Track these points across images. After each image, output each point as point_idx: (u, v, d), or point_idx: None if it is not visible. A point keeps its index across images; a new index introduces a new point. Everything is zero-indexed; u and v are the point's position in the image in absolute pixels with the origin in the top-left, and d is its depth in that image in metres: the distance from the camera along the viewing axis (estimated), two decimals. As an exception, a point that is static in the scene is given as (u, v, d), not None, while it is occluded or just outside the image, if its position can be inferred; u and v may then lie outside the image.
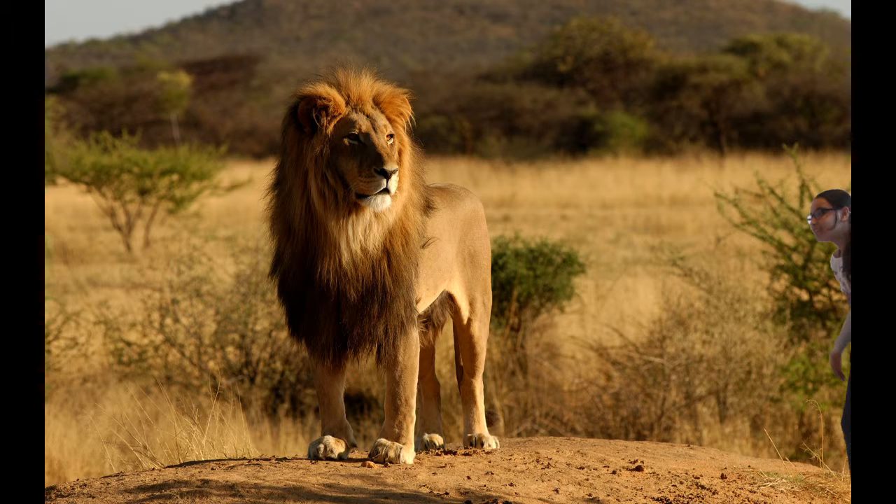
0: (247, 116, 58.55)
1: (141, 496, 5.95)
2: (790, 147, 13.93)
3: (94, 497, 5.98)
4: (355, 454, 6.63)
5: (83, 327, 15.81)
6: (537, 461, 6.69)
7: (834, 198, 6.57)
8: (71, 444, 12.35)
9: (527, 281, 14.09)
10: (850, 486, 6.76)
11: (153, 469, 6.48)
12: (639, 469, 6.73)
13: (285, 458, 6.60)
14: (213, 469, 6.32)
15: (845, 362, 6.54)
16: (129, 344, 14.82)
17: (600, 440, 7.58)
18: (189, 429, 7.65)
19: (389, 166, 6.18)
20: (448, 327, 7.17)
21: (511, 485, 6.30)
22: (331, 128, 6.27)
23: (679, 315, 13.04)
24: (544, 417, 13.05)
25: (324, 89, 6.30)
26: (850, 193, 6.56)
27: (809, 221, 6.57)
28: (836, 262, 6.58)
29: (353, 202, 6.24)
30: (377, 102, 6.37)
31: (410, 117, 6.45)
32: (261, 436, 13.03)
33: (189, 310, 14.60)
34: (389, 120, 6.36)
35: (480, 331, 7.01)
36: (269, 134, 53.73)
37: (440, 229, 6.70)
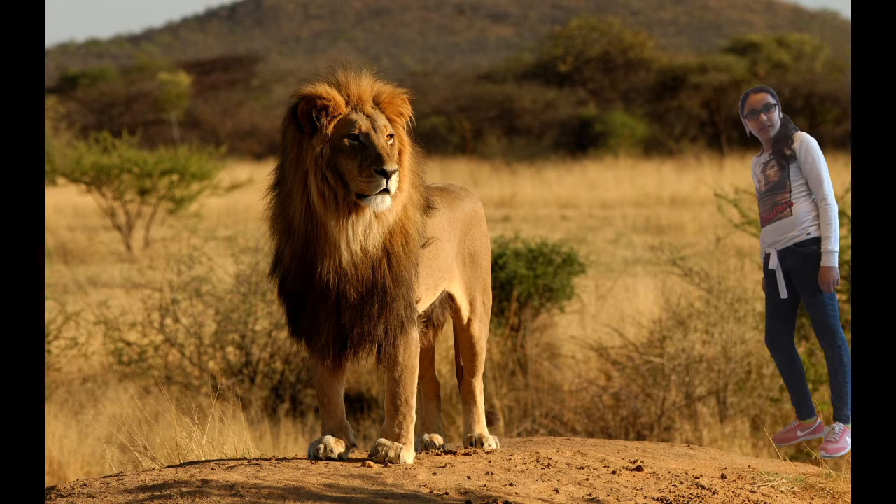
0: (247, 116, 58.48)
1: (141, 496, 5.95)
2: (790, 147, 13.88)
3: (94, 497, 5.97)
4: (355, 454, 6.63)
5: (83, 327, 15.80)
6: (537, 461, 6.69)
7: (774, 92, 6.36)
8: (71, 444, 12.35)
9: (527, 281, 14.09)
10: (850, 485, 6.76)
11: (153, 469, 6.48)
12: (639, 469, 6.73)
13: (285, 458, 6.60)
14: (213, 469, 6.32)
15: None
16: (129, 344, 14.82)
17: (600, 440, 7.58)
18: (189, 429, 7.65)
19: (389, 166, 6.18)
20: (448, 327, 7.17)
21: (511, 485, 6.30)
22: (331, 128, 6.27)
23: (679, 315, 13.04)
24: (544, 417, 13.05)
25: (324, 89, 6.29)
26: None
27: (759, 119, 6.25)
28: (759, 160, 6.37)
29: (353, 202, 6.24)
30: (377, 102, 6.37)
31: (410, 117, 6.45)
32: (261, 436, 13.03)
33: (189, 310, 14.60)
34: (389, 120, 6.36)
35: (480, 331, 7.01)
36: (269, 134, 53.67)
37: (440, 229, 6.70)
